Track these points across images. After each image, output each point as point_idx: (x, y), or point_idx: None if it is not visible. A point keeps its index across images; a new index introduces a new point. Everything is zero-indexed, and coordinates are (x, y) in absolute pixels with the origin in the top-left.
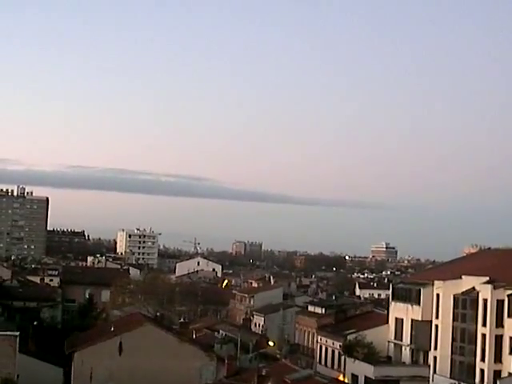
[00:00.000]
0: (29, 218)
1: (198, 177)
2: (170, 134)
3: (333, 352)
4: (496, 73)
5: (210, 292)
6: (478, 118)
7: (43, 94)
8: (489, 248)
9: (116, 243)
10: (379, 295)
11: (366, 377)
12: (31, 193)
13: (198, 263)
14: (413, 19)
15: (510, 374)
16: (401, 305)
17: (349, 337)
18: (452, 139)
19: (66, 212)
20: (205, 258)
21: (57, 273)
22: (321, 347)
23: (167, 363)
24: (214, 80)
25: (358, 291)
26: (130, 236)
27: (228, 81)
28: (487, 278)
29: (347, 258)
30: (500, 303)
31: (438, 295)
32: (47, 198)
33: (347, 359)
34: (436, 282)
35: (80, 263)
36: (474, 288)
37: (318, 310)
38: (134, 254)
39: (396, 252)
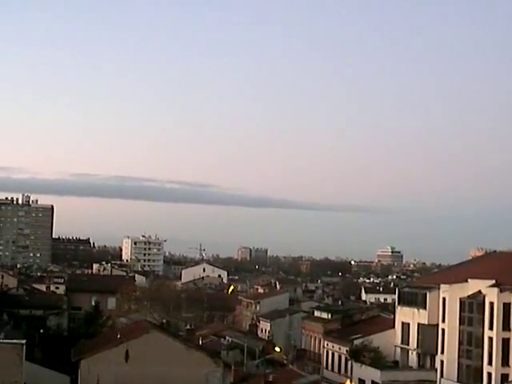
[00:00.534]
0: (34, 226)
1: (202, 183)
2: (174, 141)
3: (339, 357)
4: (498, 74)
5: (216, 298)
6: (479, 120)
7: (46, 102)
8: (495, 251)
9: (121, 250)
10: (385, 300)
11: (373, 381)
12: (36, 201)
13: (204, 269)
14: (415, 19)
15: None
16: (407, 309)
17: (355, 342)
18: (455, 141)
19: (71, 220)
20: (210, 264)
21: (63, 280)
22: (327, 352)
23: (174, 370)
24: (217, 87)
25: (364, 296)
26: (135, 243)
27: (231, 87)
28: (493, 282)
29: (353, 262)
30: (506, 306)
31: (444, 299)
32: (52, 206)
33: (354, 364)
34: (442, 286)
35: (86, 271)
36: (480, 291)
37: (325, 315)
38: (139, 261)
39: (402, 256)
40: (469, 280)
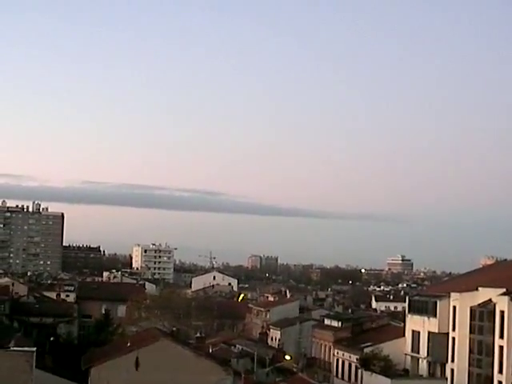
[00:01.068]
0: (44, 234)
1: (211, 191)
2: (183, 149)
3: (350, 365)
4: (505, 74)
5: (226, 306)
6: (490, 126)
7: (56, 111)
8: (505, 259)
9: (132, 258)
10: (395, 308)
11: None
12: (46, 209)
13: (214, 277)
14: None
15: None
16: (417, 317)
17: (365, 350)
18: (465, 149)
19: (81, 227)
20: (220, 272)
21: (73, 288)
22: (337, 361)
23: (184, 378)
24: (227, 95)
25: (374, 304)
26: (145, 251)
27: (242, 95)
28: (504, 290)
29: (363, 270)
30: None
31: (454, 307)
32: (62, 214)
33: (364, 372)
34: (452, 294)
35: (96, 279)
36: (490, 300)
37: (335, 324)
38: (149, 268)
39: (412, 264)
40: (479, 288)
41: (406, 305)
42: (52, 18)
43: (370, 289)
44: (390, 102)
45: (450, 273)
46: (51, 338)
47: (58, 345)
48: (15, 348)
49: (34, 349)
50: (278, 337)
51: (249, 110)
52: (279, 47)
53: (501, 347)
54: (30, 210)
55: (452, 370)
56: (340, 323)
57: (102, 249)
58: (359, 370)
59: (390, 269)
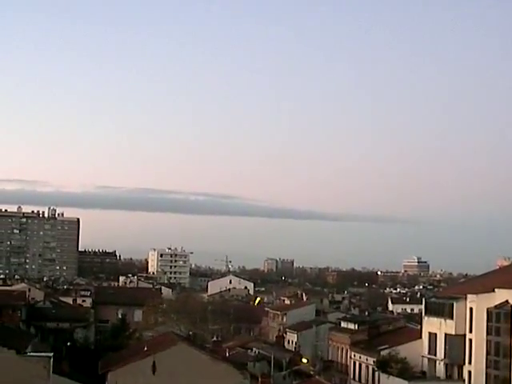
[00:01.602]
0: (60, 240)
1: (226, 195)
2: (198, 153)
3: (367, 368)
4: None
5: (243, 310)
6: (506, 127)
7: (70, 116)
8: None
9: (147, 263)
10: (412, 310)
11: None
12: (62, 214)
13: (230, 281)
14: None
15: None
16: (434, 319)
17: (382, 352)
18: (481, 150)
19: (97, 233)
20: (236, 276)
21: (89, 293)
22: (354, 363)
23: (201, 382)
24: (239, 97)
25: (390, 306)
26: (161, 255)
27: (254, 97)
28: None
29: (379, 273)
30: None
31: (471, 309)
32: (78, 219)
33: (381, 375)
34: (469, 296)
35: (112, 283)
36: (507, 301)
37: (351, 326)
38: (165, 273)
39: (428, 266)
40: (496, 290)
41: (423, 307)
42: (75, 24)
43: (386, 291)
44: (402, 103)
45: (467, 274)
46: (68, 343)
47: (74, 350)
48: (32, 353)
49: (51, 354)
50: (295, 340)
51: (263, 112)
52: (292, 50)
53: None
54: (46, 215)
55: (469, 372)
56: (356, 326)
57: (117, 253)
58: (376, 373)
59: (406, 271)
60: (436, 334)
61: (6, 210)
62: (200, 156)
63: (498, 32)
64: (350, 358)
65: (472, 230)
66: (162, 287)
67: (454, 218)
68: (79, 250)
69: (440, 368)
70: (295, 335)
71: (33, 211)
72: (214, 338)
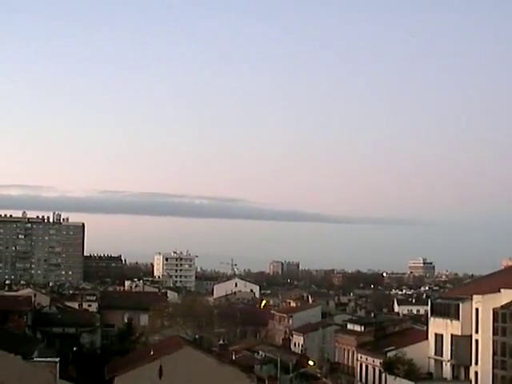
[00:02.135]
0: (65, 244)
1: (231, 198)
2: (202, 157)
3: (373, 370)
4: None
5: (249, 313)
6: (509, 125)
7: (74, 121)
8: None
9: (153, 267)
10: (418, 311)
11: None
12: (67, 219)
13: (236, 284)
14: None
15: None
16: (440, 320)
17: (389, 354)
18: (485, 152)
19: (102, 237)
20: (242, 279)
21: (95, 298)
22: (361, 365)
23: None
24: (244, 101)
25: (396, 308)
26: (166, 259)
27: (259, 101)
28: None
29: (385, 274)
30: None
31: (477, 309)
32: (83, 224)
33: (388, 377)
34: (475, 297)
35: (118, 288)
36: None
37: (358, 328)
38: (171, 277)
39: (433, 267)
40: (501, 290)
41: (429, 308)
42: (82, 31)
43: (392, 292)
44: (404, 104)
45: (472, 275)
46: (74, 348)
47: (81, 355)
48: (39, 359)
49: (58, 359)
50: (301, 342)
51: (267, 115)
52: (294, 54)
53: None
54: (51, 220)
55: (476, 373)
56: (363, 327)
57: (123, 258)
58: (383, 374)
59: (411, 272)
60: (442, 335)
61: (11, 216)
62: (204, 160)
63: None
64: (357, 359)
65: (477, 231)
66: (168, 291)
67: (459, 218)
68: (84, 254)
69: (447, 369)
70: (301, 338)
71: (38, 216)
72: (221, 342)
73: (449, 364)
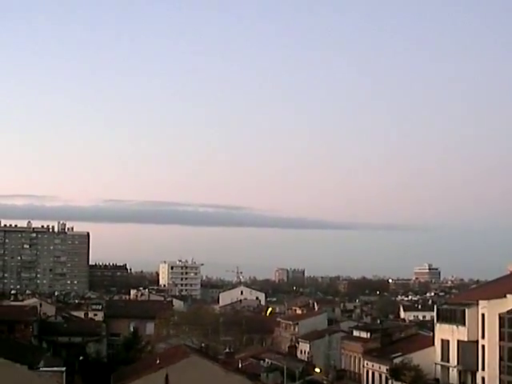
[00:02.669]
0: (71, 254)
1: (236, 206)
2: (206, 165)
3: (380, 376)
4: None
5: (255, 321)
6: None
7: (77, 130)
8: None
9: (158, 275)
10: (424, 317)
11: None
12: (72, 228)
13: (241, 292)
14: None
15: None
16: (446, 326)
17: (395, 360)
18: (491, 155)
19: (107, 246)
20: (248, 286)
21: (100, 307)
22: (367, 372)
23: None
24: (249, 109)
25: (402, 314)
26: (172, 268)
27: (265, 109)
28: None
29: (390, 280)
30: None
31: (483, 315)
32: (88, 233)
33: (395, 383)
34: (481, 302)
35: (123, 297)
36: None
37: (364, 335)
38: (176, 285)
39: (439, 273)
40: (507, 295)
41: (435, 314)
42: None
43: (397, 299)
44: (413, 107)
45: (478, 280)
46: (80, 358)
47: (87, 364)
48: (45, 368)
49: (64, 368)
50: (307, 350)
51: (272, 122)
52: (300, 60)
53: None
54: (56, 230)
55: (483, 379)
56: (369, 334)
57: (128, 267)
58: (389, 381)
59: (417, 278)
60: (448, 341)
61: (16, 226)
62: (208, 168)
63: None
64: (363, 366)
65: (482, 236)
66: (174, 299)
67: (464, 224)
68: (90, 263)
69: (453, 375)
70: (308, 345)
71: (42, 226)
72: (227, 350)
73: (455, 370)
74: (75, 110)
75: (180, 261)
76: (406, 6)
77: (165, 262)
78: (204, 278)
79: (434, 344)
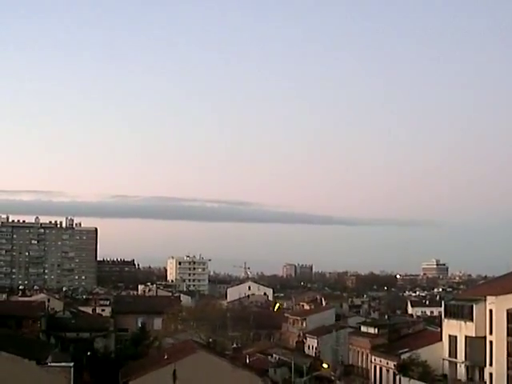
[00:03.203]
0: (78, 249)
1: (243, 201)
2: (213, 160)
3: (387, 372)
4: None
5: (262, 316)
6: None
7: (84, 126)
8: None
9: (166, 271)
10: (431, 313)
11: None
12: (79, 224)
13: (249, 288)
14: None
15: None
16: (454, 322)
17: (403, 356)
18: (500, 152)
19: (115, 242)
20: (255, 282)
21: (108, 302)
22: (375, 367)
23: None
24: (257, 106)
25: (410, 309)
26: (179, 263)
27: (273, 106)
28: None
29: (398, 276)
30: None
31: (491, 311)
32: (96, 229)
33: (402, 379)
34: (488, 298)
35: (131, 292)
36: None
37: (371, 330)
38: (184, 280)
39: (447, 269)
40: None
41: (442, 309)
42: (97, 36)
43: (405, 294)
44: (418, 103)
45: (486, 276)
46: (88, 353)
47: (95, 359)
48: (53, 364)
49: (72, 364)
50: (315, 345)
51: (278, 118)
52: (311, 59)
53: None
54: (64, 225)
55: (490, 374)
56: (376, 330)
57: (136, 262)
58: (397, 377)
59: (425, 274)
60: (456, 337)
61: (23, 221)
62: (216, 163)
63: None
64: (371, 362)
65: (490, 232)
66: (181, 295)
67: (472, 220)
68: (97, 259)
69: (461, 371)
70: (315, 340)
71: (50, 221)
72: (234, 345)
73: (463, 365)
74: (83, 107)
75: (188, 256)
76: (415, 3)
77: (172, 257)
78: (212, 273)
79: (441, 340)
